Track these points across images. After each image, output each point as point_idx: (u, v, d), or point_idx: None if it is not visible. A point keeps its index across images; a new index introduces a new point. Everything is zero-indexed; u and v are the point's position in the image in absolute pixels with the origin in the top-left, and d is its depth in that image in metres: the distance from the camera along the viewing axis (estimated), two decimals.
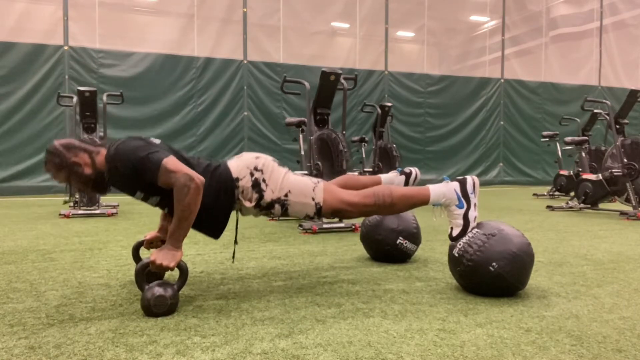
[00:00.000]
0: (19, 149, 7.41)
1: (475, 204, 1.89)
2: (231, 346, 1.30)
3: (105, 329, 1.43)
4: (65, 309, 1.62)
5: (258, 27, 8.91)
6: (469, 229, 1.86)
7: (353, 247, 2.87)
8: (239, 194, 1.82)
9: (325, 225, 3.57)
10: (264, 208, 1.85)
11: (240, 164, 1.84)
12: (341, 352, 1.26)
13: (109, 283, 1.98)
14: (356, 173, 3.99)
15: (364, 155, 6.33)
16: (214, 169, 1.81)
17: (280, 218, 4.31)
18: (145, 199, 1.78)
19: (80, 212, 4.51)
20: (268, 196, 1.82)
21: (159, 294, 1.55)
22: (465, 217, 1.87)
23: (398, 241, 2.37)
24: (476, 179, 1.93)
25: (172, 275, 2.04)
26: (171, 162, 1.64)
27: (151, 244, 2.02)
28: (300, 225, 3.59)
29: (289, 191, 1.83)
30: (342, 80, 4.04)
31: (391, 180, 2.33)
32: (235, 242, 2.08)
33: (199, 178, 1.63)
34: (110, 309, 1.63)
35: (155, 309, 1.54)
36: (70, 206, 4.90)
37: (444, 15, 10.76)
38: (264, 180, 1.82)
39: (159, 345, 1.31)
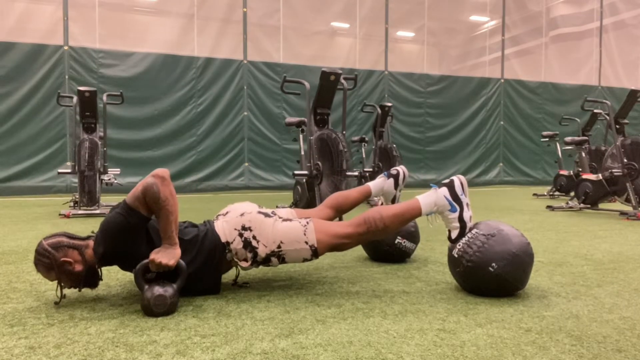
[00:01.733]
0: (19, 149, 7.41)
1: (467, 204, 1.88)
2: (231, 346, 1.30)
3: (105, 329, 1.43)
4: (65, 309, 1.63)
5: (258, 27, 8.91)
6: (467, 229, 1.85)
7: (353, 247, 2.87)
8: (233, 257, 1.81)
9: None
10: (261, 263, 1.84)
11: (226, 227, 1.81)
12: (341, 352, 1.26)
13: (109, 283, 1.98)
14: (356, 173, 3.98)
15: (364, 155, 6.33)
16: (202, 237, 1.78)
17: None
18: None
19: (80, 212, 4.51)
20: (262, 252, 1.80)
21: (158, 293, 1.55)
22: (461, 219, 1.86)
23: (397, 241, 2.38)
24: (462, 178, 1.91)
25: None
26: (132, 192, 1.63)
27: None
28: None
29: (282, 242, 1.80)
30: (342, 80, 4.04)
31: (380, 187, 2.32)
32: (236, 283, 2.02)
33: (157, 173, 1.62)
34: (110, 309, 1.63)
35: (156, 308, 1.54)
36: (70, 206, 4.91)
37: (444, 15, 10.76)
38: (254, 237, 1.79)
39: (159, 345, 1.31)
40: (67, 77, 7.64)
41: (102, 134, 5.10)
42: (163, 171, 1.64)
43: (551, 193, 7.23)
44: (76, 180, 4.95)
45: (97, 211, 4.57)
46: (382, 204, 2.49)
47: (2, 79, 7.36)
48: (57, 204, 5.71)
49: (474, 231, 1.83)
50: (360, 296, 1.81)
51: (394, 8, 9.85)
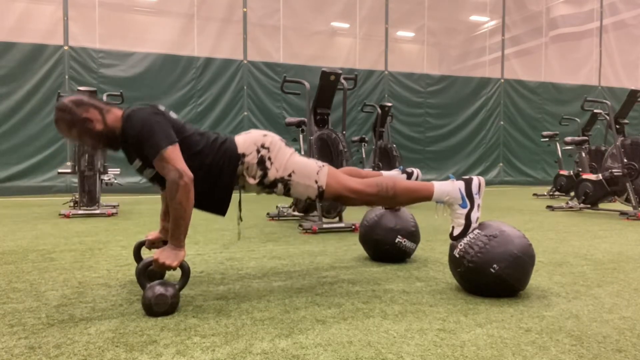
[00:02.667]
0: (19, 149, 7.41)
1: (479, 205, 1.88)
2: (231, 346, 1.30)
3: (105, 329, 1.43)
4: (65, 309, 1.62)
5: (258, 27, 8.91)
6: (470, 230, 1.85)
7: (353, 247, 2.87)
8: (244, 170, 1.83)
9: (325, 226, 3.57)
10: (267, 186, 1.85)
11: (247, 140, 1.84)
12: (341, 352, 1.26)
13: (109, 283, 1.98)
14: None
15: (364, 155, 6.33)
16: (220, 144, 1.81)
17: (280, 218, 4.31)
18: (141, 170, 1.79)
19: (80, 212, 4.51)
20: (272, 175, 1.82)
21: (159, 292, 1.55)
22: (468, 217, 1.86)
23: (397, 240, 2.38)
24: (482, 180, 1.91)
25: (174, 275, 2.04)
26: (169, 152, 1.64)
27: (153, 244, 2.02)
28: (300, 225, 3.59)
29: (293, 171, 1.84)
30: (342, 80, 4.04)
31: (391, 176, 2.33)
32: (240, 219, 2.07)
33: (188, 175, 1.63)
34: (110, 309, 1.63)
35: (156, 307, 1.54)
36: (70, 206, 4.91)
37: (444, 15, 10.76)
38: (269, 159, 1.82)
39: (159, 345, 1.31)
40: (67, 77, 7.64)
41: None
42: (190, 178, 1.63)
43: (551, 193, 7.23)
44: (76, 180, 4.95)
45: (97, 211, 4.57)
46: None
47: (2, 79, 7.36)
48: (57, 204, 5.71)
49: (476, 232, 1.82)
50: (360, 296, 1.80)
51: (394, 8, 9.85)
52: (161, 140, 1.64)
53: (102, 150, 1.76)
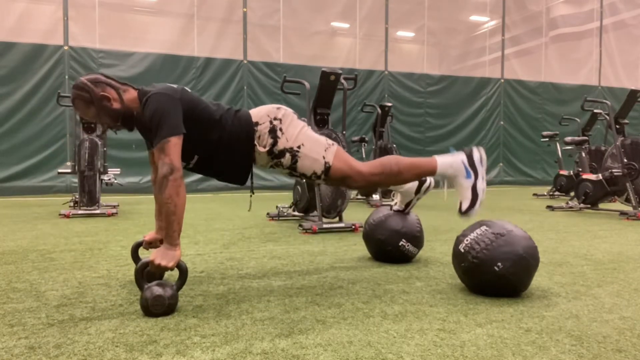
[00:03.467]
0: (19, 149, 7.41)
1: (483, 176, 1.88)
2: (231, 346, 1.30)
3: (105, 329, 1.43)
4: (65, 309, 1.62)
5: (258, 27, 8.91)
6: (478, 202, 1.86)
7: (353, 247, 2.87)
8: (256, 139, 1.85)
9: (325, 226, 3.57)
10: (276, 156, 1.87)
11: (261, 111, 1.89)
12: (341, 352, 1.26)
13: (109, 283, 1.98)
14: None
15: (364, 155, 6.33)
16: (235, 112, 1.86)
17: (280, 218, 4.30)
18: (149, 148, 1.83)
19: (80, 212, 4.51)
20: (281, 144, 1.85)
21: (157, 294, 1.55)
22: (474, 189, 1.87)
23: (400, 243, 2.36)
24: (482, 150, 1.92)
25: (173, 275, 2.04)
26: (170, 144, 1.64)
27: (150, 244, 2.02)
28: (300, 225, 3.60)
29: (302, 144, 1.86)
30: (342, 80, 4.04)
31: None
32: (252, 192, 2.12)
33: (179, 172, 1.64)
34: (110, 309, 1.63)
35: (154, 309, 1.54)
36: (70, 206, 4.91)
37: (444, 15, 10.76)
38: (280, 129, 1.86)
39: (159, 345, 1.31)
40: (67, 77, 7.64)
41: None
42: (180, 174, 1.64)
43: (551, 193, 7.23)
44: (76, 180, 4.95)
45: (97, 211, 4.57)
46: (379, 205, 2.49)
47: (2, 79, 7.36)
48: (57, 204, 5.71)
49: (483, 228, 1.82)
50: (360, 296, 1.80)
51: (394, 8, 9.85)
52: (167, 130, 1.65)
53: (119, 129, 1.77)
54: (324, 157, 1.87)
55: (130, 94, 1.78)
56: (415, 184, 2.29)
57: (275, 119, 1.87)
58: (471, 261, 1.77)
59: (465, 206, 1.88)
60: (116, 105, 1.72)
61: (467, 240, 1.82)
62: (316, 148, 1.87)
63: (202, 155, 1.84)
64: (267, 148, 1.85)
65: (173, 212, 1.62)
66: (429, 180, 2.30)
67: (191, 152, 1.80)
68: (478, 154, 1.91)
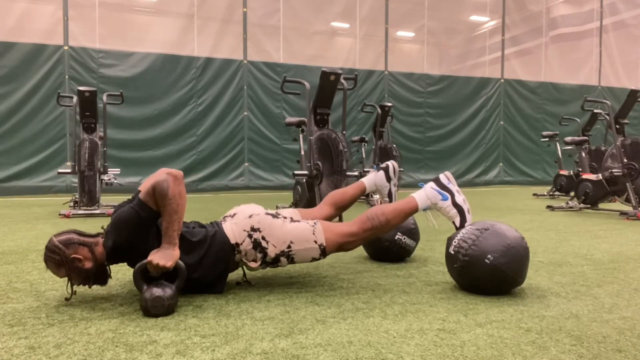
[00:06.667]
0: (19, 149, 7.41)
1: (457, 190, 2.00)
2: (231, 346, 1.30)
3: (105, 329, 1.43)
4: (65, 309, 1.62)
5: (258, 27, 8.90)
6: (466, 211, 1.95)
7: None
8: (242, 258, 1.82)
9: None
10: (271, 263, 1.86)
11: (235, 229, 1.82)
12: (341, 352, 1.26)
13: (109, 283, 1.98)
14: (356, 173, 3.98)
15: (364, 155, 6.33)
16: (211, 238, 1.79)
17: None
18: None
19: (80, 212, 4.51)
20: (272, 252, 1.82)
21: (156, 294, 1.55)
22: (455, 204, 1.96)
23: (397, 237, 2.38)
24: (448, 173, 2.05)
25: None
26: (142, 187, 1.64)
27: None
28: None
29: (291, 242, 1.83)
30: (342, 80, 4.04)
31: (373, 181, 2.39)
32: (245, 281, 2.02)
33: (175, 170, 1.64)
34: (110, 309, 1.63)
35: (153, 309, 1.54)
36: (70, 206, 4.91)
37: (444, 15, 10.76)
38: (263, 238, 1.81)
39: (159, 345, 1.31)
40: (67, 77, 7.64)
41: (102, 134, 5.10)
42: (177, 171, 1.65)
43: (551, 193, 7.23)
44: (76, 180, 4.95)
45: (97, 211, 4.57)
46: (380, 202, 2.51)
47: (2, 79, 7.36)
48: (57, 204, 5.71)
49: (467, 227, 1.88)
50: (360, 296, 1.81)
51: (394, 8, 9.84)
52: (135, 199, 1.64)
53: (91, 286, 1.74)
54: (315, 242, 1.84)
55: (101, 247, 1.73)
56: (381, 174, 2.38)
57: (252, 229, 1.81)
58: (462, 260, 1.79)
59: (458, 222, 1.96)
60: (88, 264, 1.67)
61: (455, 242, 1.86)
62: (305, 237, 1.84)
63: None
64: (259, 262, 1.83)
65: (175, 211, 1.62)
66: (390, 164, 2.40)
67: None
68: (444, 176, 2.02)
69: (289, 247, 1.83)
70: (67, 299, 1.70)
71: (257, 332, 1.41)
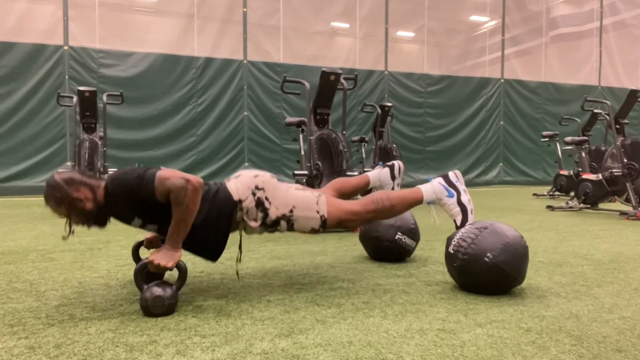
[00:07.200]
0: (19, 149, 7.41)
1: (464, 190, 2.00)
2: (231, 346, 1.30)
3: (105, 329, 1.43)
4: (65, 309, 1.62)
5: (258, 27, 8.91)
6: (469, 211, 1.94)
7: (353, 247, 2.87)
8: (243, 215, 1.80)
9: None
10: (270, 226, 1.84)
11: (239, 186, 1.81)
12: (341, 352, 1.26)
13: (109, 283, 1.98)
14: (356, 173, 3.98)
15: (364, 155, 6.33)
16: (213, 194, 1.78)
17: None
18: (142, 226, 1.75)
19: None
20: (273, 213, 1.81)
21: (156, 294, 1.55)
22: (460, 203, 1.96)
23: (397, 236, 2.38)
24: (457, 172, 2.04)
25: (173, 275, 2.04)
26: (165, 171, 1.63)
27: (151, 243, 2.02)
28: None
29: (294, 206, 1.83)
30: (342, 80, 4.04)
31: (377, 177, 2.39)
32: (239, 260, 2.04)
33: (196, 179, 1.63)
34: (110, 309, 1.63)
35: (153, 309, 1.54)
36: None
37: (444, 15, 10.76)
38: (266, 199, 1.80)
39: (159, 345, 1.31)
40: (67, 77, 7.64)
41: (102, 134, 5.10)
42: (197, 181, 1.63)
43: (551, 193, 7.23)
44: None
45: None
46: None
47: (2, 79, 7.36)
48: None
49: (467, 226, 1.88)
50: (360, 296, 1.81)
51: (394, 8, 9.85)
52: (150, 172, 1.63)
53: (90, 227, 1.73)
54: (318, 212, 1.84)
55: (102, 189, 1.71)
56: (386, 171, 2.37)
57: (257, 188, 1.80)
58: (462, 259, 1.80)
59: (459, 220, 1.96)
60: (89, 205, 1.66)
61: (454, 241, 1.87)
62: (308, 206, 1.84)
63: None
64: (259, 222, 1.81)
65: (185, 219, 1.62)
66: (396, 163, 2.39)
67: (164, 230, 1.71)
68: (453, 174, 2.03)
69: (291, 211, 1.82)
70: (64, 238, 1.70)
71: (257, 332, 1.41)
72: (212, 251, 1.81)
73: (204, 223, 1.73)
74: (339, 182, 2.29)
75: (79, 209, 1.65)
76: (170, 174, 1.62)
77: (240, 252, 1.97)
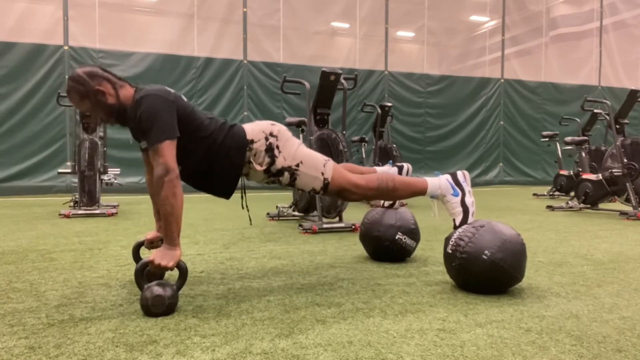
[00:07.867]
0: (19, 149, 7.41)
1: (469, 191, 2.00)
2: (231, 346, 1.30)
3: (105, 329, 1.43)
4: (65, 309, 1.62)
5: (258, 27, 8.91)
6: (470, 214, 1.94)
7: (353, 247, 2.87)
8: (251, 157, 1.84)
9: (325, 226, 3.57)
10: (273, 174, 1.87)
11: (255, 128, 1.87)
12: (341, 352, 1.26)
13: (109, 283, 1.98)
14: None
15: (364, 155, 6.33)
16: (229, 128, 1.83)
17: (280, 218, 4.31)
18: (146, 150, 1.78)
19: (80, 212, 4.51)
20: (279, 163, 1.85)
21: (157, 293, 1.55)
22: (463, 203, 1.96)
23: (397, 236, 2.39)
24: (466, 172, 2.05)
25: (173, 275, 2.04)
26: (164, 146, 1.63)
27: (152, 243, 2.02)
28: (300, 225, 3.60)
29: (301, 162, 1.87)
30: (342, 80, 4.04)
31: (386, 172, 2.39)
32: (246, 207, 2.10)
33: (174, 172, 1.63)
34: (110, 309, 1.63)
35: (154, 308, 1.54)
36: (70, 206, 4.91)
37: (444, 15, 10.76)
38: (277, 147, 1.85)
39: (159, 345, 1.31)
40: (67, 77, 7.63)
41: (102, 134, 5.10)
42: (172, 172, 1.62)
43: (551, 193, 7.23)
44: (76, 180, 4.95)
45: (97, 211, 4.57)
46: (383, 204, 2.51)
47: (2, 79, 7.36)
48: (57, 204, 5.71)
49: (464, 226, 1.89)
50: (360, 296, 1.81)
51: (394, 8, 9.85)
52: (161, 133, 1.64)
53: (112, 124, 1.77)
54: (322, 174, 1.88)
55: (127, 91, 1.76)
56: (395, 170, 2.39)
57: (271, 134, 1.85)
58: (460, 257, 1.81)
59: (458, 220, 1.96)
60: (111, 100, 1.71)
61: (452, 240, 1.88)
62: (315, 165, 1.88)
63: (188, 166, 1.79)
64: (264, 167, 1.84)
65: (170, 213, 1.62)
66: (406, 166, 2.42)
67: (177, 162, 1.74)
68: (461, 174, 2.03)
69: (297, 165, 1.86)
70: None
71: (257, 332, 1.41)
72: (224, 187, 1.84)
73: (217, 155, 1.78)
74: (348, 165, 2.32)
75: (101, 102, 1.68)
76: (162, 153, 1.62)
77: (245, 196, 2.01)
